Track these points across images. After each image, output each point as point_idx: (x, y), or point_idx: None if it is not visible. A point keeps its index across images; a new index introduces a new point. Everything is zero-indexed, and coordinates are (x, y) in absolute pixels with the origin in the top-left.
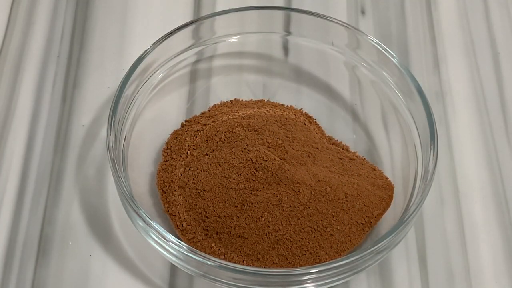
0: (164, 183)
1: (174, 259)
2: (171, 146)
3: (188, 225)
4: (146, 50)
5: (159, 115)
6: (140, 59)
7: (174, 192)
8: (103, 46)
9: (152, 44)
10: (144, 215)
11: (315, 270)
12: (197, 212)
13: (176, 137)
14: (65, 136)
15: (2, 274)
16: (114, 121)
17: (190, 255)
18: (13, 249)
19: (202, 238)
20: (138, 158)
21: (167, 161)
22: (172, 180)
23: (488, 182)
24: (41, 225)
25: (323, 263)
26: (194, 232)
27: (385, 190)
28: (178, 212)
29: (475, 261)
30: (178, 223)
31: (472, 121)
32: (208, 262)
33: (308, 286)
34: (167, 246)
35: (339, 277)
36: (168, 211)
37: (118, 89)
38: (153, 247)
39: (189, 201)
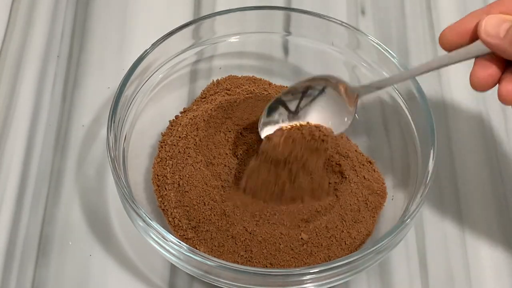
0: (158, 177)
1: (174, 259)
2: (165, 139)
3: (179, 221)
4: (146, 50)
5: (159, 115)
6: (140, 59)
7: (166, 187)
8: (103, 46)
9: (152, 44)
10: (144, 215)
11: (315, 270)
12: (184, 210)
13: (171, 127)
14: (65, 136)
15: (2, 274)
16: (114, 121)
17: (190, 255)
18: (13, 249)
19: (193, 236)
20: (138, 158)
21: (161, 154)
22: (164, 175)
23: (488, 182)
24: (41, 225)
25: (323, 263)
26: (185, 230)
27: (378, 197)
28: (170, 208)
29: (475, 261)
30: (170, 219)
31: (472, 121)
32: (208, 262)
33: (308, 286)
34: (167, 246)
35: (339, 277)
36: (160, 206)
37: (118, 89)
38: (153, 247)
39: (178, 198)
